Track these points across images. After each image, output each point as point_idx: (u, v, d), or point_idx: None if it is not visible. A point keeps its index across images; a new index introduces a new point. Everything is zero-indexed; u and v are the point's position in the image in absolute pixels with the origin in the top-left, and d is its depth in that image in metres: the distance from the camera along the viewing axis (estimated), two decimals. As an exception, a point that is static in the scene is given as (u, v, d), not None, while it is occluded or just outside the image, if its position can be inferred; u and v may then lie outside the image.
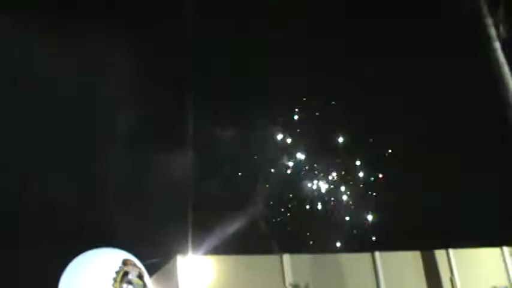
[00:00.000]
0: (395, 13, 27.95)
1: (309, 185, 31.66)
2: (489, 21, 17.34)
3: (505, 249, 19.35)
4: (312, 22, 30.51)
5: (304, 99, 32.57)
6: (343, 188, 31.35)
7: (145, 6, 30.04)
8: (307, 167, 31.87)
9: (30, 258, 26.37)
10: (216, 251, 20.77)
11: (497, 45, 17.13)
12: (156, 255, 17.64)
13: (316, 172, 31.88)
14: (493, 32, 17.25)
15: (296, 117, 32.46)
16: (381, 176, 31.09)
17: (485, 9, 17.39)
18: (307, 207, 31.03)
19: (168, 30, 29.75)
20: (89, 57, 28.16)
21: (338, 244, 28.93)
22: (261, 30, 29.92)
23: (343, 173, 31.88)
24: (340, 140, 31.93)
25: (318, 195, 31.35)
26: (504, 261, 19.42)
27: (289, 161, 31.92)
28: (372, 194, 30.85)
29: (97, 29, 27.51)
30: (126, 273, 6.93)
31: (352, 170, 31.81)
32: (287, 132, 32.10)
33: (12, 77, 26.18)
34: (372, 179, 31.20)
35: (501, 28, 17.29)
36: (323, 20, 30.22)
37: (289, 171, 31.83)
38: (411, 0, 25.76)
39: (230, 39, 30.07)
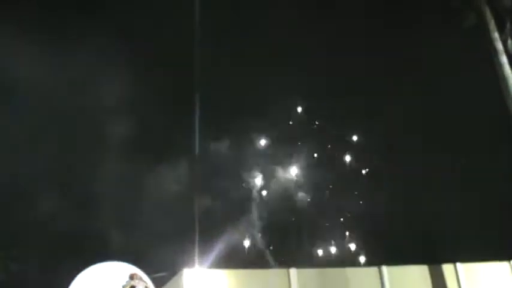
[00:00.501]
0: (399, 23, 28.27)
1: (314, 198, 31.64)
2: (496, 35, 17.39)
3: (513, 263, 19.22)
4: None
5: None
6: (348, 202, 31.29)
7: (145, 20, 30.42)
8: (310, 181, 31.90)
9: (36, 272, 26.37)
10: (222, 264, 20.73)
11: (504, 59, 17.17)
12: (162, 268, 17.63)
13: (320, 185, 31.87)
14: (499, 46, 17.30)
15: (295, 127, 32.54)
16: (387, 188, 30.98)
17: (492, 24, 17.46)
18: (311, 220, 30.97)
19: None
20: (83, 71, 28.35)
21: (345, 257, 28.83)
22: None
23: (348, 185, 31.85)
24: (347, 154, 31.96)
25: (325, 209, 31.29)
26: (513, 275, 19.28)
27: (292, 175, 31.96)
28: (378, 207, 30.73)
29: (91, 41, 27.71)
30: (132, 287, 6.96)
31: (358, 182, 31.76)
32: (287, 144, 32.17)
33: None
34: (378, 192, 31.09)
35: (508, 42, 17.36)
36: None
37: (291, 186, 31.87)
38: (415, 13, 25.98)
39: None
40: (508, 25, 17.62)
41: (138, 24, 30.83)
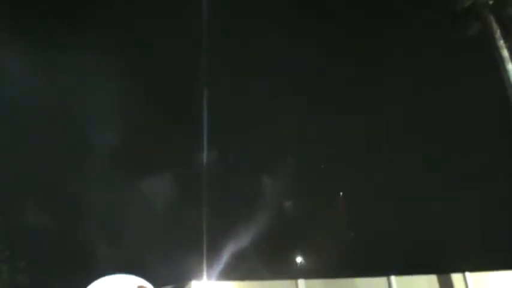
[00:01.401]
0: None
1: (321, 207, 31.61)
2: (501, 43, 17.45)
3: (523, 272, 19.11)
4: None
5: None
6: (356, 210, 31.22)
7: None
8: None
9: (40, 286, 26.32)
10: (230, 276, 20.67)
11: (510, 66, 17.22)
12: (170, 280, 17.61)
13: (326, 194, 31.86)
14: (505, 53, 17.36)
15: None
16: (394, 196, 30.88)
17: (498, 33, 17.53)
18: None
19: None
20: (72, 77, 28.32)
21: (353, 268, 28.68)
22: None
23: (354, 193, 31.78)
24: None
25: (332, 218, 31.23)
26: (522, 284, 19.16)
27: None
28: (386, 216, 30.61)
29: (80, 47, 27.75)
30: (140, 300, 6.96)
31: (365, 191, 31.68)
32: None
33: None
34: (385, 202, 30.99)
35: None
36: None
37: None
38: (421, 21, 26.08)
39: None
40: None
41: (133, 31, 30.95)
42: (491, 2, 17.95)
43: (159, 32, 31.50)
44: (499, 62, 17.44)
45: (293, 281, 18.28)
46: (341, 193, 32.51)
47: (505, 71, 17.27)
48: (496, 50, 17.52)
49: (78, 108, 28.97)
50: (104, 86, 28.90)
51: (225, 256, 26.26)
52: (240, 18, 31.14)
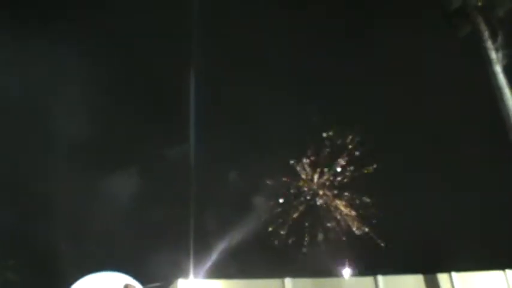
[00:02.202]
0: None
1: (308, 206, 31.60)
2: (490, 45, 17.51)
3: (508, 272, 19.22)
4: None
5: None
6: (344, 212, 31.22)
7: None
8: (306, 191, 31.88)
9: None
10: (217, 274, 20.61)
11: (498, 68, 17.28)
12: (157, 278, 17.55)
13: (316, 196, 31.85)
14: (493, 55, 17.41)
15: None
16: (382, 199, 30.93)
17: (486, 34, 17.58)
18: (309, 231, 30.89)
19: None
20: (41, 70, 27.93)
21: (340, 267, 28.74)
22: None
23: (345, 195, 31.82)
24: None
25: (320, 219, 31.24)
26: (507, 284, 19.27)
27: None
28: (374, 217, 30.68)
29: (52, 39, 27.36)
30: (127, 298, 6.89)
31: (353, 191, 31.72)
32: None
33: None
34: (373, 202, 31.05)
35: (501, 52, 17.48)
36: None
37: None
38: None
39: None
40: (500, 35, 17.76)
41: (111, 23, 30.64)
42: (480, 4, 18.01)
43: (144, 25, 31.34)
44: (487, 64, 17.51)
45: (280, 280, 18.26)
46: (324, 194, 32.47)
47: (493, 72, 17.33)
48: (485, 51, 17.58)
49: (49, 102, 28.56)
50: (78, 78, 28.56)
51: (212, 254, 26.22)
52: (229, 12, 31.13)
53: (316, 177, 32.23)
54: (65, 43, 27.72)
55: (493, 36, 17.70)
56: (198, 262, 23.37)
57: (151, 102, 31.98)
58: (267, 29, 32.34)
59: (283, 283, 17.94)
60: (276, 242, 30.35)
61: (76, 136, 28.91)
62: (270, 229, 30.54)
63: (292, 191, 32.04)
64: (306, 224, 31.20)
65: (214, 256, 26.08)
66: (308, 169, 32.26)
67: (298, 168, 32.16)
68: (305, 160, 32.06)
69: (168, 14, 31.52)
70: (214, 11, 30.43)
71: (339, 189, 31.94)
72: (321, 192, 32.07)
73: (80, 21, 30.57)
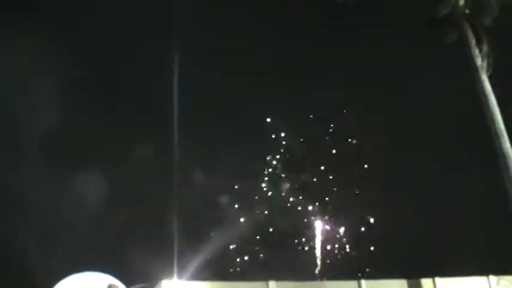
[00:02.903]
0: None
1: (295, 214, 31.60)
2: (476, 52, 17.64)
3: (491, 278, 19.31)
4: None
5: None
6: (329, 216, 31.28)
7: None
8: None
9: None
10: (201, 276, 20.54)
11: (484, 76, 17.42)
12: (141, 279, 17.42)
13: (301, 202, 31.88)
14: (480, 62, 17.55)
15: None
16: (367, 203, 31.05)
17: (473, 42, 17.71)
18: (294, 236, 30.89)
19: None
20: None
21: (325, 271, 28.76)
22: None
23: (328, 201, 31.86)
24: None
25: (305, 225, 31.26)
26: (490, 290, 19.36)
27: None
28: (357, 221, 30.77)
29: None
30: (111, 298, 6.85)
31: (338, 195, 31.77)
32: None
33: None
34: (358, 206, 31.14)
35: (486, 60, 17.63)
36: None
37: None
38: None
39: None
40: (485, 44, 17.90)
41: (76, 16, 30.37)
42: (467, 11, 18.14)
43: (122, 23, 31.17)
44: (473, 71, 17.64)
45: (264, 283, 18.20)
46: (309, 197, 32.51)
47: (479, 79, 17.46)
48: (471, 58, 17.71)
49: (16, 99, 28.20)
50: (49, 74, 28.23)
51: (196, 256, 26.15)
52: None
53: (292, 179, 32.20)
54: (34, 36, 27.19)
55: (479, 44, 17.85)
56: (182, 263, 23.32)
57: (129, 102, 31.74)
58: (250, 32, 32.36)
59: (267, 286, 17.85)
60: (259, 246, 30.34)
61: (49, 134, 28.64)
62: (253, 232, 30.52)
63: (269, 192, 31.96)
64: (291, 227, 31.20)
65: (198, 258, 26.02)
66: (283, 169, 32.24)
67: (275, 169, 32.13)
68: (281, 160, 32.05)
69: (148, 13, 31.36)
70: (196, 11, 30.31)
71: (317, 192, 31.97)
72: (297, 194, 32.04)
73: (53, 13, 30.17)
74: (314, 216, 31.82)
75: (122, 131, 30.00)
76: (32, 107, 28.26)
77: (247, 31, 32.17)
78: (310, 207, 32.02)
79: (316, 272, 28.49)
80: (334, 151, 32.18)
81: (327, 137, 32.00)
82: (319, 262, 29.35)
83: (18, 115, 28.37)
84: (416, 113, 30.51)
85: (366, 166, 31.26)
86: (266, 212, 31.81)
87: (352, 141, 32.03)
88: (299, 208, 31.99)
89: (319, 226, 31.50)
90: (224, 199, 31.74)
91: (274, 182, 32.32)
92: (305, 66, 32.46)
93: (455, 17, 18.11)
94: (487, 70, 17.69)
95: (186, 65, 28.85)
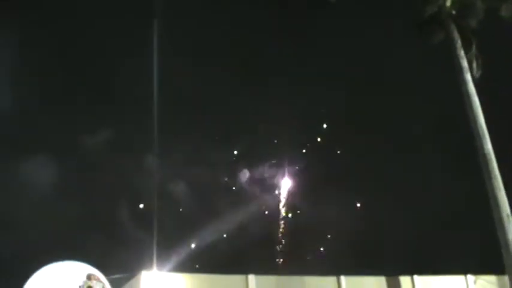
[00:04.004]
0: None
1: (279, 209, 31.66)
2: (462, 53, 17.77)
3: (469, 277, 19.54)
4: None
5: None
6: (311, 213, 31.36)
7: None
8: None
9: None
10: (181, 268, 20.51)
11: (468, 76, 17.55)
12: (120, 270, 17.35)
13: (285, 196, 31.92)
14: (465, 63, 17.69)
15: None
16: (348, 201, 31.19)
17: (459, 43, 17.83)
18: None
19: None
20: None
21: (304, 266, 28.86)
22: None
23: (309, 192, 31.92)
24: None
25: (288, 219, 31.32)
26: (468, 288, 19.61)
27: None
28: (339, 217, 30.86)
29: None
30: (90, 288, 6.80)
31: (320, 191, 31.84)
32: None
33: None
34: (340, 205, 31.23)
35: (473, 62, 17.78)
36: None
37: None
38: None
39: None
40: (473, 45, 18.03)
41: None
42: (454, 12, 18.27)
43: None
44: (458, 71, 17.77)
45: (243, 276, 18.23)
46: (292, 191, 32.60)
47: (463, 80, 17.60)
48: (456, 59, 17.84)
49: None
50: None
51: (176, 248, 26.13)
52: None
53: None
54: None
55: (466, 45, 17.98)
56: (161, 255, 23.26)
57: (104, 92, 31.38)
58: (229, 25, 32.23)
59: (246, 279, 17.90)
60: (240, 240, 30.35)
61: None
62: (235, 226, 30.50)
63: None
64: (272, 222, 31.26)
65: (178, 250, 26.01)
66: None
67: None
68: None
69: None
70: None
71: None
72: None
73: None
74: (295, 208, 31.89)
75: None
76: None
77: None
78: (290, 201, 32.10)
79: (296, 267, 28.56)
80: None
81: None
82: (299, 257, 29.45)
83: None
84: (401, 112, 30.67)
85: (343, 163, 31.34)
86: (249, 206, 31.80)
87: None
88: (283, 202, 32.03)
89: (300, 220, 31.57)
90: (206, 190, 31.64)
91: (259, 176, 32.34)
92: (297, 64, 32.35)
93: (442, 18, 18.25)
94: (477, 71, 17.85)
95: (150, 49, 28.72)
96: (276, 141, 33.12)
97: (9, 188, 26.49)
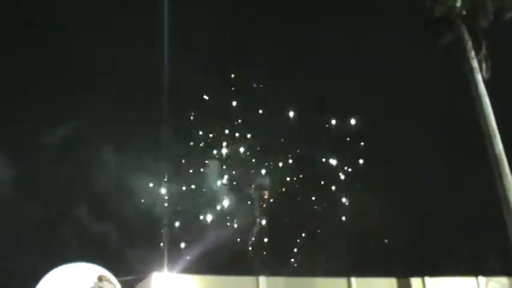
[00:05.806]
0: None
1: (284, 205, 31.52)
2: (472, 54, 17.72)
3: (481, 279, 19.46)
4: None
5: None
6: (321, 213, 31.24)
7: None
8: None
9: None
10: (192, 269, 20.58)
11: (479, 77, 17.49)
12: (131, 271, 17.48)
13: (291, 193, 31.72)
14: (475, 64, 17.63)
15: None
16: (357, 202, 31.04)
17: (469, 44, 17.78)
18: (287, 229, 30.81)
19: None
20: None
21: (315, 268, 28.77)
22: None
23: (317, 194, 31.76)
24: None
25: (296, 219, 31.21)
26: (479, 290, 19.53)
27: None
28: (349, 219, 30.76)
29: None
30: (100, 289, 6.87)
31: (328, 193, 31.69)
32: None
33: None
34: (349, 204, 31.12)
35: (484, 63, 17.71)
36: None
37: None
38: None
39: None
40: (483, 46, 17.97)
41: None
42: (464, 13, 18.18)
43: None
44: (469, 73, 17.71)
45: (254, 278, 18.27)
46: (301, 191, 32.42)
47: (474, 81, 17.54)
48: (467, 60, 17.78)
49: None
50: None
51: (187, 250, 26.20)
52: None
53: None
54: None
55: (476, 46, 17.91)
56: (172, 257, 23.34)
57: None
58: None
59: (257, 281, 17.93)
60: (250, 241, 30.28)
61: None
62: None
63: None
64: (282, 223, 31.16)
65: (189, 252, 26.07)
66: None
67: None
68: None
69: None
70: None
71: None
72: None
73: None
74: (305, 210, 31.73)
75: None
76: None
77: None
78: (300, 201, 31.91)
79: (307, 268, 28.50)
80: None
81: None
82: (310, 259, 29.36)
83: None
84: (409, 113, 30.56)
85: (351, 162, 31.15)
86: (258, 207, 31.69)
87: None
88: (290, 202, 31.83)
89: (310, 220, 31.41)
90: (216, 191, 31.47)
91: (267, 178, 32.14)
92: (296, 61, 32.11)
93: (452, 18, 18.17)
94: (487, 72, 17.79)
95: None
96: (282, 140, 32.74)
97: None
